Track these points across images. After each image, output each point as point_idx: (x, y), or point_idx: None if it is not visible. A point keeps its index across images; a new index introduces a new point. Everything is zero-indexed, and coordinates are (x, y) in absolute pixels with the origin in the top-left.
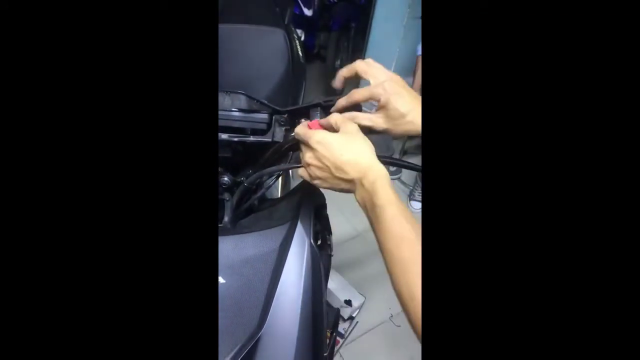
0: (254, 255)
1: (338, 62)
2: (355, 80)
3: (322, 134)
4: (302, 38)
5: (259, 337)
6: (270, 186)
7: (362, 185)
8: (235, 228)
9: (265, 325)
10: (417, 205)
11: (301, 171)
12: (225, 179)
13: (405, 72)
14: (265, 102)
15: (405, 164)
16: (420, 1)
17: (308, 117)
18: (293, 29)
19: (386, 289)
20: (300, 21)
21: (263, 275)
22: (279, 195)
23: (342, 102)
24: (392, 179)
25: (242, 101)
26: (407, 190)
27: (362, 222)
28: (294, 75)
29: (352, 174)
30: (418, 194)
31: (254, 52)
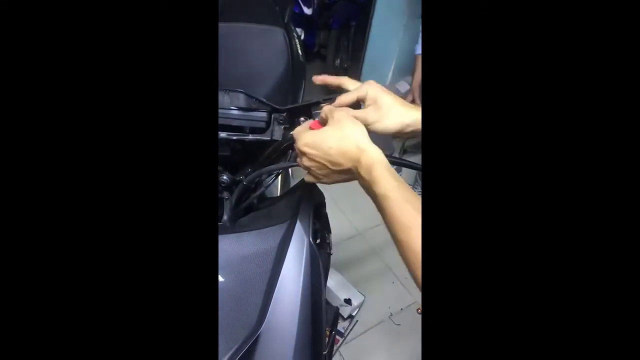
0: (253, 254)
1: (338, 61)
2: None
3: (306, 136)
4: (302, 37)
5: (258, 335)
6: (269, 185)
7: (359, 173)
8: (234, 227)
9: (264, 324)
10: None
11: (306, 177)
12: (224, 177)
13: (405, 71)
14: (264, 100)
15: (406, 162)
16: (420, 1)
17: (307, 115)
18: (293, 27)
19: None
20: (300, 20)
21: (262, 274)
22: (279, 194)
23: (338, 102)
24: None
25: (241, 99)
26: None
27: (362, 221)
28: (293, 74)
29: (347, 163)
30: (418, 192)
31: (254, 50)
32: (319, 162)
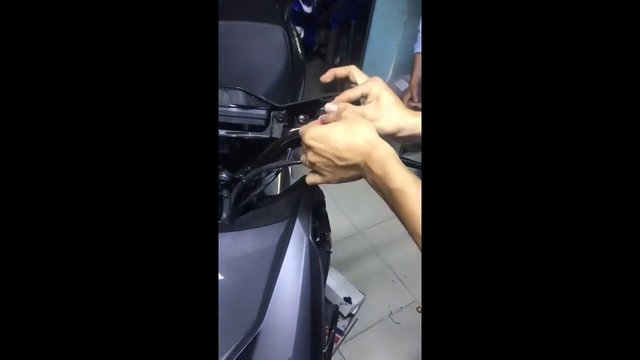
0: (252, 252)
1: (338, 60)
2: (343, 81)
3: (314, 130)
4: (302, 35)
5: (258, 333)
6: (269, 183)
7: (370, 168)
8: (234, 225)
9: (263, 322)
10: None
11: (309, 177)
12: (224, 175)
13: (404, 69)
14: (264, 98)
15: (406, 161)
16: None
17: (307, 113)
18: (292, 26)
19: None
20: (300, 18)
21: (261, 272)
22: (278, 192)
23: (341, 97)
24: None
25: (240, 97)
26: None
27: (361, 219)
28: (293, 72)
29: (355, 158)
30: None
31: (253, 49)
32: (325, 157)
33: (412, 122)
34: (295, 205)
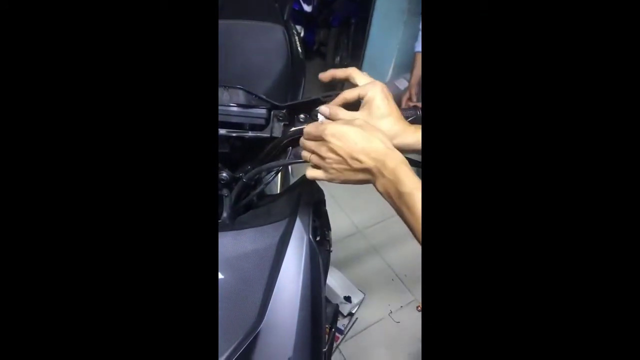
0: (252, 251)
1: (338, 59)
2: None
3: (336, 126)
4: (302, 34)
5: (258, 332)
6: (269, 182)
7: (382, 173)
8: (234, 224)
9: (263, 321)
10: None
11: (310, 172)
12: (224, 174)
13: (404, 68)
14: (264, 97)
15: (409, 160)
16: None
17: (307, 112)
18: (292, 25)
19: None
20: (300, 17)
21: (261, 271)
22: (278, 192)
23: (339, 100)
24: None
25: (240, 96)
26: None
27: (361, 219)
28: (293, 72)
29: (368, 162)
30: None
31: (253, 47)
32: (339, 155)
33: (400, 136)
34: (296, 204)
